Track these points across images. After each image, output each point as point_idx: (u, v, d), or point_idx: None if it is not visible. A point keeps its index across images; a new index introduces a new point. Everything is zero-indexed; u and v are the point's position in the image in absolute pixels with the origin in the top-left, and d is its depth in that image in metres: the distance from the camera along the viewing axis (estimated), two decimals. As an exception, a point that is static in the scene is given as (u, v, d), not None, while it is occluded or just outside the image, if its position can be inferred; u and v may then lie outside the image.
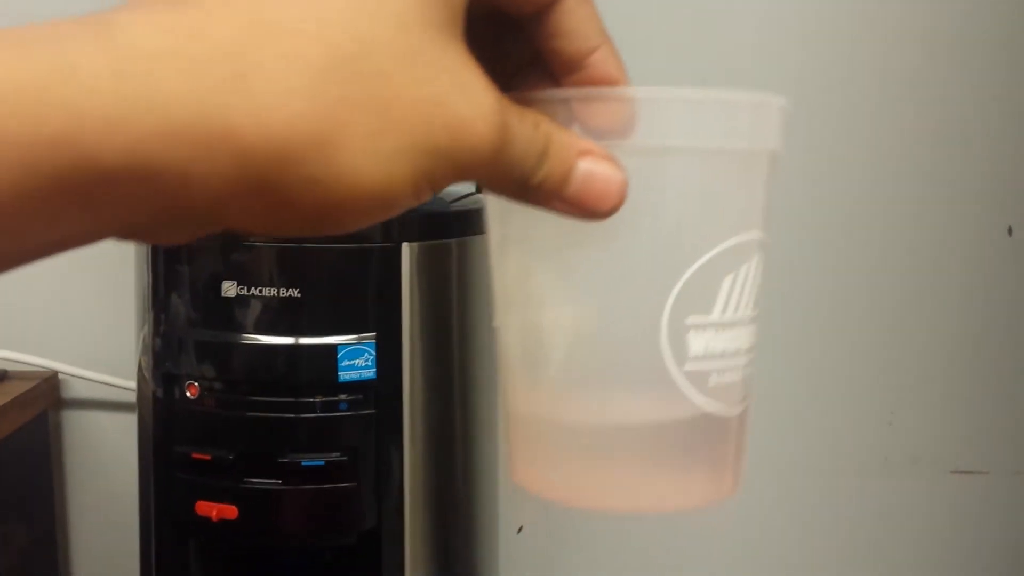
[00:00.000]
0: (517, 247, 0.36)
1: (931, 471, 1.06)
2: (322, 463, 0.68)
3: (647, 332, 0.34)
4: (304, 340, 0.68)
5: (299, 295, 0.67)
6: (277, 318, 0.68)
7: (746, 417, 0.38)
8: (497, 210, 0.37)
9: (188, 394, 0.70)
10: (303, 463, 0.68)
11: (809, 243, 1.01)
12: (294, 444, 0.68)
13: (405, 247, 0.69)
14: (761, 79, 0.98)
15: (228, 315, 0.69)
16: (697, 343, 0.34)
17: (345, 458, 0.69)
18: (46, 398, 1.00)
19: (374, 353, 0.68)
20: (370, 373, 0.68)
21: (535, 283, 0.36)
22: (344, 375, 0.68)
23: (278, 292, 0.67)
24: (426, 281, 0.71)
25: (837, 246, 1.02)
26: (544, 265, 0.35)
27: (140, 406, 0.75)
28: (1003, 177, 1.01)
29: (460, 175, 0.28)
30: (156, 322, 0.72)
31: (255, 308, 0.68)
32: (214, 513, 0.68)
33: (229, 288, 0.68)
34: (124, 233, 0.26)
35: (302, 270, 0.68)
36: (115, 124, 0.23)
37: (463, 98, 0.27)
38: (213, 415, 0.70)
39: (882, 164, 1.00)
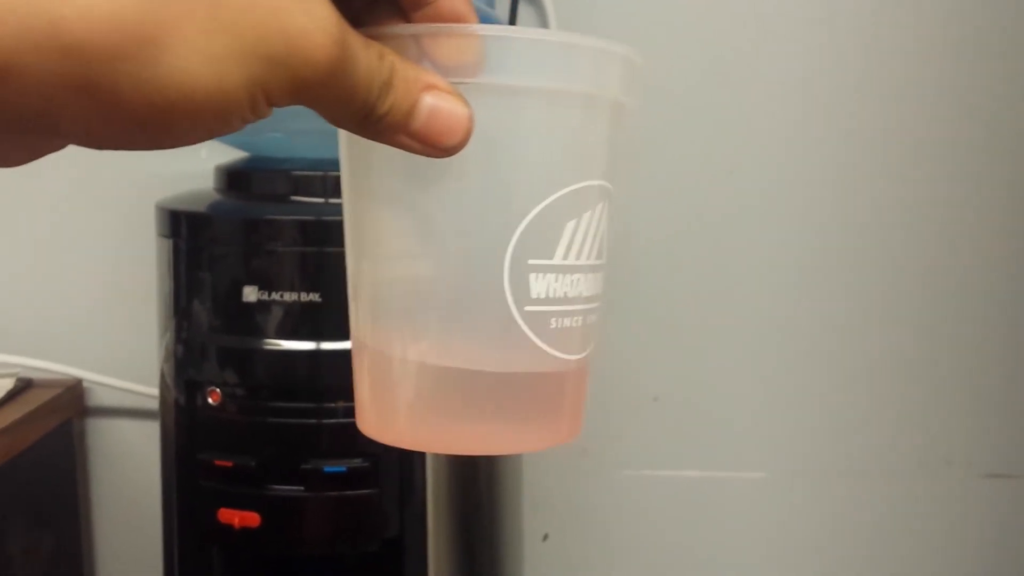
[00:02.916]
0: (364, 189, 0.36)
1: (964, 474, 1.04)
2: (344, 469, 0.68)
3: (491, 272, 0.34)
4: (325, 345, 0.67)
5: (320, 299, 0.67)
6: (298, 323, 0.67)
7: (585, 365, 0.39)
8: (347, 152, 0.37)
9: (210, 400, 0.70)
10: (325, 470, 0.67)
11: (845, 245, 1.00)
12: (316, 451, 0.68)
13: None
14: (766, 78, 0.97)
15: (249, 321, 0.68)
16: (538, 286, 0.35)
17: (367, 465, 0.68)
18: (71, 406, 1.00)
19: (396, 358, 0.68)
20: (392, 378, 0.68)
21: (382, 225, 0.36)
22: (366, 380, 0.67)
23: (299, 297, 0.67)
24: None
25: (871, 246, 1.00)
26: (390, 207, 0.36)
27: (163, 413, 0.75)
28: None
29: (298, 90, 0.27)
30: (178, 329, 0.71)
31: (276, 313, 0.68)
32: (236, 520, 0.68)
33: (250, 293, 0.68)
34: None
35: (322, 274, 0.68)
36: None
37: (301, 7, 0.26)
38: (235, 422, 0.69)
39: (911, 164, 0.99)
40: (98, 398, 1.04)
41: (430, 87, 0.30)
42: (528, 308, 0.35)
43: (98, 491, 1.06)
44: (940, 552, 1.06)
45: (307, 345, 0.67)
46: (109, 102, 0.25)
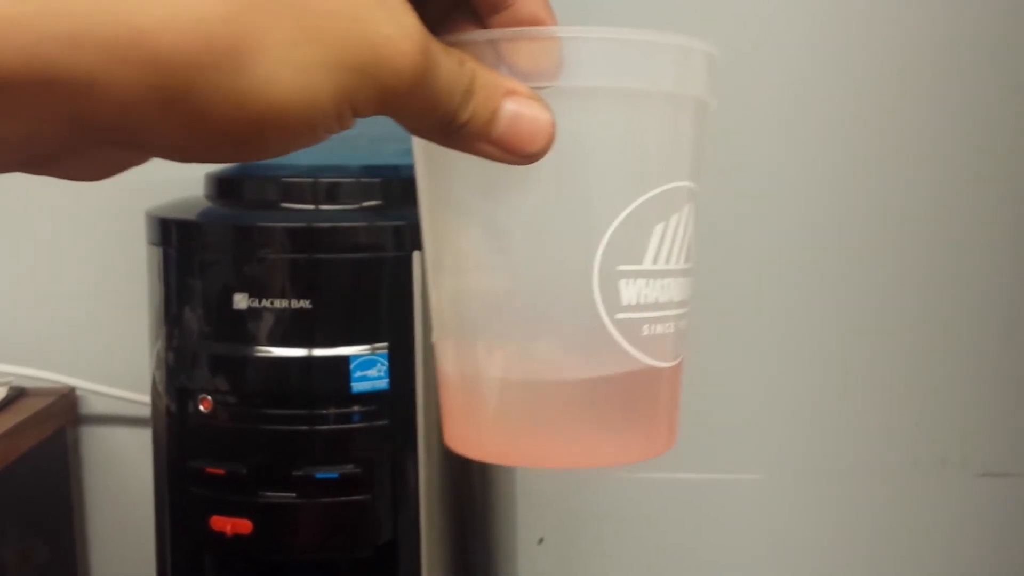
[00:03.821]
0: (443, 202, 0.36)
1: (959, 473, 1.04)
2: (336, 476, 0.68)
3: (579, 281, 0.33)
4: (316, 351, 0.67)
5: (311, 306, 0.67)
6: (289, 330, 0.67)
7: (679, 372, 0.38)
8: (424, 165, 0.36)
9: (201, 408, 0.70)
10: (317, 476, 0.67)
11: (836, 243, 1.00)
12: (308, 457, 0.68)
13: (416, 256, 0.69)
14: (767, 76, 0.98)
15: (240, 328, 0.68)
16: (629, 292, 0.34)
17: (359, 470, 0.68)
18: (64, 414, 1.00)
19: (387, 363, 0.68)
20: (383, 384, 0.68)
21: (463, 238, 0.35)
22: (357, 386, 0.67)
23: (289, 303, 0.67)
24: (439, 290, 0.71)
25: (865, 246, 1.00)
26: (470, 219, 0.35)
27: (155, 421, 0.75)
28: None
29: (384, 100, 0.27)
30: (169, 336, 0.71)
31: (267, 320, 0.68)
32: (228, 527, 0.68)
33: (240, 300, 0.68)
34: (28, 157, 0.25)
35: (313, 281, 0.67)
36: (12, 24, 0.21)
37: (386, 15, 0.26)
38: (227, 429, 0.69)
39: (909, 164, 0.99)
40: (91, 406, 1.04)
41: (511, 93, 0.30)
42: (620, 316, 0.34)
43: (92, 499, 1.06)
44: (936, 551, 1.06)
45: (298, 352, 0.67)
46: (195, 114, 0.24)
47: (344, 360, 0.67)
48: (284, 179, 0.71)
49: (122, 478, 1.05)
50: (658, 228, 0.34)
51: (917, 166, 0.99)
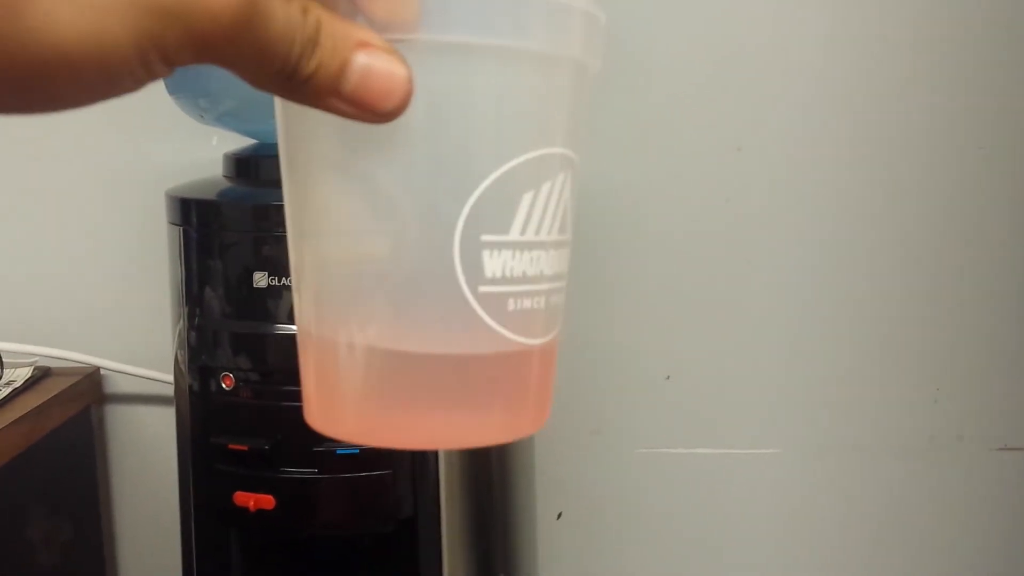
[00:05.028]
0: (300, 162, 0.33)
1: (976, 448, 1.04)
2: (357, 451, 0.68)
3: (440, 250, 0.31)
4: (336, 329, 0.68)
5: (329, 284, 0.67)
6: (308, 308, 0.68)
7: (552, 350, 0.35)
8: (281, 120, 0.33)
9: (224, 386, 0.71)
10: (338, 452, 0.68)
11: (858, 224, 1.00)
12: (329, 433, 0.68)
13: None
14: (781, 61, 0.97)
15: (261, 306, 0.69)
16: (493, 264, 0.32)
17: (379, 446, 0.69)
18: (89, 394, 1.01)
19: (406, 340, 0.68)
20: (402, 360, 0.68)
21: (321, 201, 0.33)
22: (376, 363, 0.68)
23: (308, 282, 0.67)
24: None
25: (885, 223, 1.00)
26: (328, 179, 0.32)
27: (178, 399, 0.76)
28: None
29: (198, 47, 0.24)
30: (190, 316, 0.72)
31: (287, 298, 0.68)
32: (252, 503, 0.69)
33: (261, 279, 0.69)
34: None
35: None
36: None
37: None
38: (249, 406, 0.70)
39: (927, 141, 0.98)
40: (116, 385, 1.05)
41: (363, 45, 0.27)
42: (483, 289, 0.32)
43: (117, 476, 1.07)
44: (953, 525, 1.06)
45: (318, 329, 0.68)
46: None
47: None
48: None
49: (146, 456, 1.06)
50: (527, 197, 0.32)
51: (951, 143, 0.99)
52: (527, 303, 0.33)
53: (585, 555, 1.08)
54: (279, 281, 0.68)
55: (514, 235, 0.32)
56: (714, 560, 1.08)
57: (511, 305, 0.32)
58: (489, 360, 0.33)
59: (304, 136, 0.32)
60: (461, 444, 0.36)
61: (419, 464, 0.71)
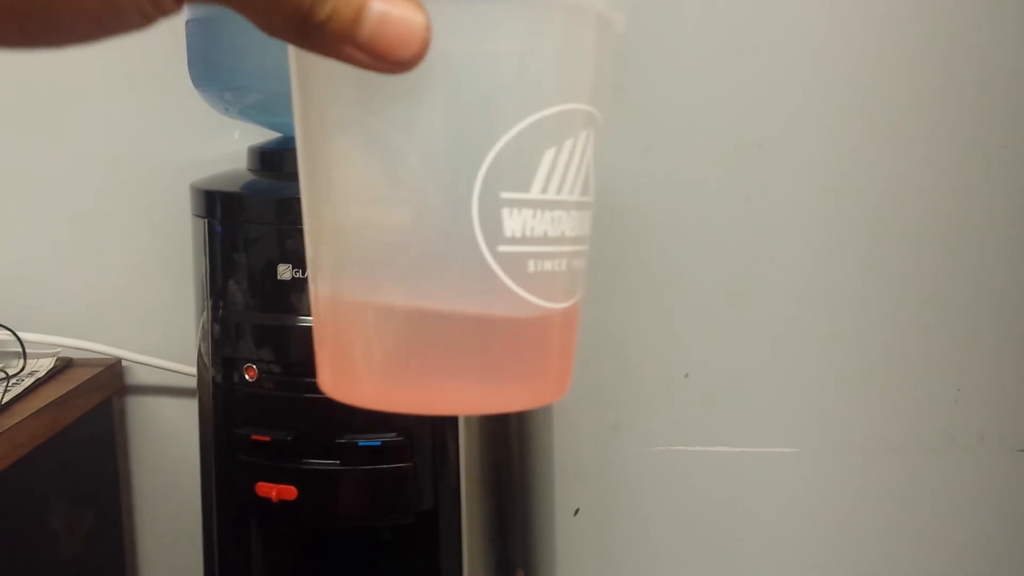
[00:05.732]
0: (314, 119, 0.32)
1: (997, 449, 1.04)
2: (379, 443, 0.69)
3: (458, 207, 0.30)
4: (359, 322, 0.68)
5: (353, 277, 0.68)
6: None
7: (574, 315, 0.34)
8: (296, 74, 0.32)
9: (247, 377, 0.71)
10: (360, 443, 0.69)
11: (877, 221, 1.00)
12: (351, 425, 0.69)
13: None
14: (798, 52, 0.97)
15: (284, 298, 0.69)
16: (513, 223, 0.31)
17: (401, 438, 0.69)
18: (110, 385, 1.02)
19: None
20: (424, 353, 0.68)
21: (337, 160, 0.31)
22: (399, 355, 0.68)
23: (332, 274, 0.68)
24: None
25: (905, 223, 1.00)
26: (344, 137, 0.31)
27: (200, 390, 0.77)
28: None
29: None
30: (214, 308, 0.73)
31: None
32: (274, 494, 0.69)
33: (284, 271, 0.69)
34: None
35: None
36: None
37: None
38: (271, 397, 0.71)
39: (951, 139, 0.98)
40: (137, 376, 1.06)
41: None
42: (502, 248, 0.31)
43: (138, 467, 1.08)
44: (972, 526, 1.06)
45: (341, 322, 0.68)
46: None
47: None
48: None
49: (166, 447, 1.07)
50: (549, 153, 0.31)
51: (971, 141, 0.98)
52: (548, 265, 0.32)
53: (602, 551, 1.08)
54: (303, 274, 0.69)
55: (535, 193, 0.31)
56: (730, 558, 1.08)
57: (531, 266, 0.32)
58: (509, 324, 0.32)
59: (317, 91, 0.31)
60: (479, 410, 0.36)
61: (440, 457, 0.71)
